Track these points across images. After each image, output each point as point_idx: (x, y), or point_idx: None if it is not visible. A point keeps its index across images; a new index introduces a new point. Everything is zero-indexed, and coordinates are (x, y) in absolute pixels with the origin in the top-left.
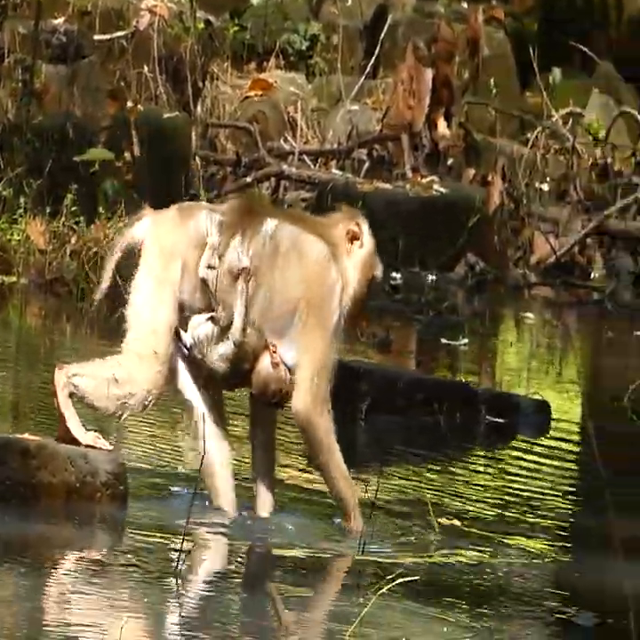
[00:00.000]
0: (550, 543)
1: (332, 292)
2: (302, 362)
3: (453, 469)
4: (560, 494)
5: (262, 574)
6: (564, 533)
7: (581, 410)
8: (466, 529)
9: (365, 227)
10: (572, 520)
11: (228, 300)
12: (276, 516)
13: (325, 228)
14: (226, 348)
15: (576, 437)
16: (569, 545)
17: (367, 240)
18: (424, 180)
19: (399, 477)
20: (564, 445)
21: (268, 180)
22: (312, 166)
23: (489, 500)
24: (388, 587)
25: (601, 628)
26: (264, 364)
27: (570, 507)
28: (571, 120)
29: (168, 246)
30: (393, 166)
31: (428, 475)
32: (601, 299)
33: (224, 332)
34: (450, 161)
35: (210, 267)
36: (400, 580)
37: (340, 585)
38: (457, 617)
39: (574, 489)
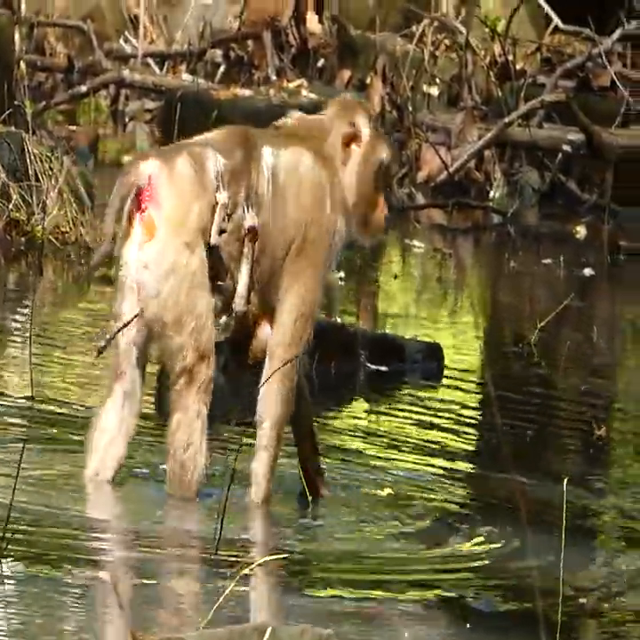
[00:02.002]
0: (438, 513)
1: (327, 231)
2: (288, 302)
3: (327, 425)
4: (451, 455)
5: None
6: (453, 498)
7: (479, 354)
8: (342, 497)
9: (362, 119)
10: (466, 484)
11: (233, 266)
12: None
13: (319, 140)
14: (227, 318)
15: (472, 387)
16: (463, 513)
17: (365, 133)
18: (291, 85)
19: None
20: (457, 396)
21: (106, 89)
22: (158, 71)
23: (367, 463)
24: (250, 567)
25: (504, 614)
26: (265, 331)
27: (462, 469)
28: (464, 11)
29: (187, 199)
30: (254, 69)
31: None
32: (502, 222)
33: (228, 301)
34: (321, 62)
35: (222, 231)
36: (265, 559)
37: (196, 567)
38: (331, 601)
39: (468, 447)
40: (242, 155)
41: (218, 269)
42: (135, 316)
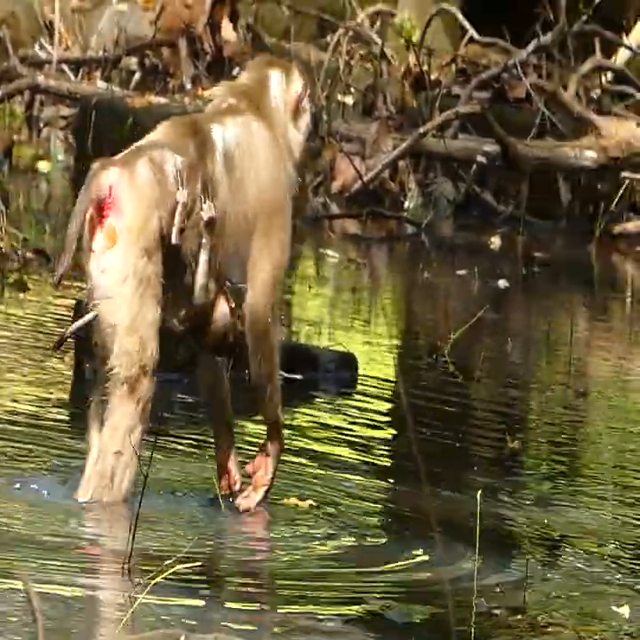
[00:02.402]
0: (349, 521)
1: (287, 192)
2: (260, 264)
3: (243, 433)
4: (364, 465)
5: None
6: (368, 510)
7: (393, 364)
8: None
9: (295, 75)
10: (379, 494)
11: (191, 260)
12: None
13: (257, 105)
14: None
15: (386, 395)
16: (373, 521)
17: (303, 87)
18: (206, 93)
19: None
20: (371, 405)
21: (20, 95)
22: (73, 78)
23: (282, 471)
24: (164, 575)
25: (418, 625)
26: (221, 311)
27: (375, 481)
28: (379, 20)
29: (147, 205)
30: (169, 77)
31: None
32: (416, 232)
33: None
34: (236, 70)
35: (182, 230)
36: (177, 568)
37: (107, 575)
38: (242, 609)
39: (382, 456)
40: (194, 147)
41: (176, 267)
42: (93, 317)
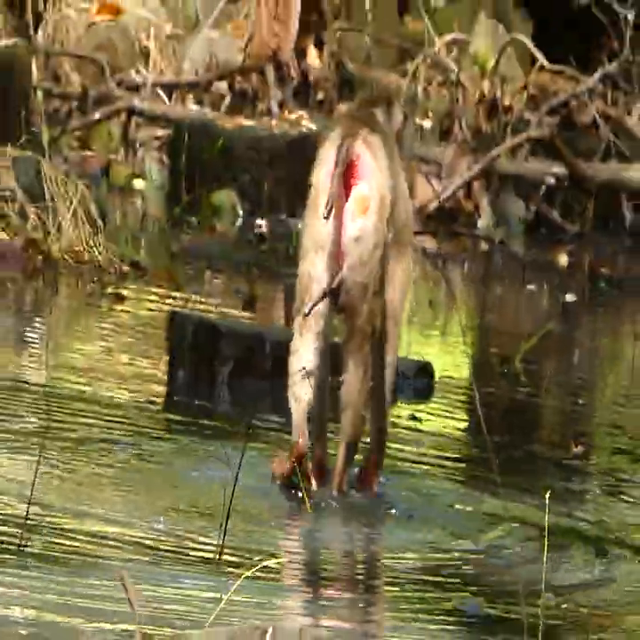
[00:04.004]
0: (427, 523)
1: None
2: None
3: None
4: (445, 463)
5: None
6: (447, 509)
7: (468, 373)
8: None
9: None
10: (458, 495)
11: None
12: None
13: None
14: None
15: (461, 403)
16: (450, 522)
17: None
18: (292, 116)
19: (268, 451)
20: (448, 410)
21: (117, 117)
22: (167, 101)
23: None
24: (253, 570)
25: (491, 617)
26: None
27: (457, 478)
28: (455, 49)
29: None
30: (257, 101)
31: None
32: (489, 249)
33: None
34: (320, 95)
35: None
36: (265, 563)
37: (200, 569)
38: (327, 600)
39: (459, 457)
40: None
41: None
42: (339, 284)
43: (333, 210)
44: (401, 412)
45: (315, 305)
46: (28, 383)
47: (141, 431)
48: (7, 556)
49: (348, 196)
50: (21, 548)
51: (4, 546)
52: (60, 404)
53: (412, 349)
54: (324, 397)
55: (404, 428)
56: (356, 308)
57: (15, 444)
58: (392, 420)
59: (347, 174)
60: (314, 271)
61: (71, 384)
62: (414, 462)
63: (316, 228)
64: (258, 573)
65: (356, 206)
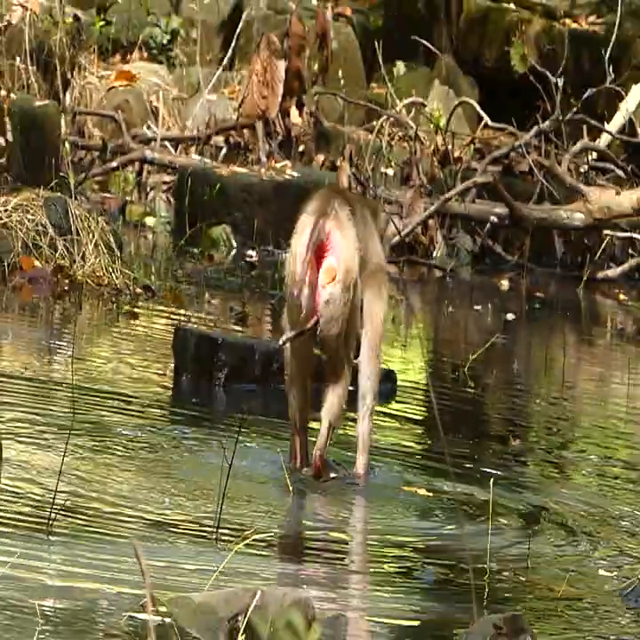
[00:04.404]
0: (391, 502)
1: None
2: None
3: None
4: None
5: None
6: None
7: (425, 378)
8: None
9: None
10: (415, 479)
11: None
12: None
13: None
14: None
15: (419, 403)
16: (408, 503)
17: None
18: (278, 165)
19: (257, 442)
20: (408, 409)
21: (132, 165)
22: (173, 152)
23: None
24: (245, 542)
25: (444, 584)
26: None
27: (415, 466)
28: (413, 109)
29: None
30: (248, 152)
31: (286, 440)
32: (442, 276)
33: None
34: (301, 147)
35: None
36: (255, 536)
37: (200, 542)
38: (307, 570)
39: (416, 441)
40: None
41: None
42: (310, 328)
43: (308, 278)
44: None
45: (288, 339)
46: (55, 383)
47: (151, 425)
48: (37, 534)
49: (319, 266)
50: (50, 527)
51: (34, 526)
52: (83, 401)
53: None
54: (308, 398)
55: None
56: (333, 349)
57: (44, 435)
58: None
59: (319, 249)
60: (288, 319)
61: (92, 385)
62: (381, 451)
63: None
64: (249, 547)
65: (325, 276)
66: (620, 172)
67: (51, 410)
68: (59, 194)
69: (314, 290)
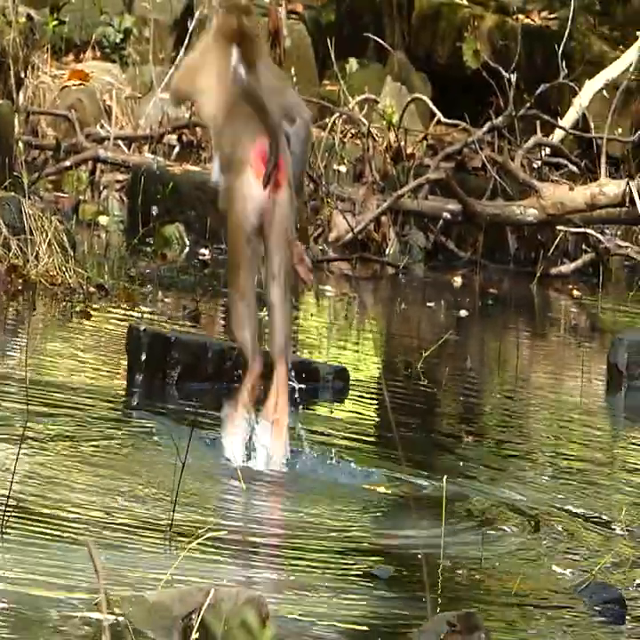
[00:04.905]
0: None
1: None
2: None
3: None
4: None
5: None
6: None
7: (378, 375)
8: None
9: None
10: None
11: None
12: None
13: None
14: None
15: (373, 400)
16: (367, 499)
17: None
18: None
19: (210, 439)
20: (361, 407)
21: (85, 164)
22: (126, 151)
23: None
24: (198, 541)
25: (398, 580)
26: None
27: (369, 460)
28: (366, 106)
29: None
30: (201, 150)
31: None
32: (395, 273)
33: None
34: None
35: None
36: (208, 535)
37: (153, 542)
38: (261, 570)
39: (369, 439)
40: None
41: None
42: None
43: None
44: (320, 409)
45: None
46: (9, 381)
47: (104, 424)
48: None
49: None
50: (2, 529)
51: None
52: (37, 400)
53: (330, 356)
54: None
55: (322, 421)
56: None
57: None
58: (314, 413)
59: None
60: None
61: (45, 383)
62: (337, 448)
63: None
64: (202, 546)
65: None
66: (574, 168)
67: (3, 407)
68: (12, 193)
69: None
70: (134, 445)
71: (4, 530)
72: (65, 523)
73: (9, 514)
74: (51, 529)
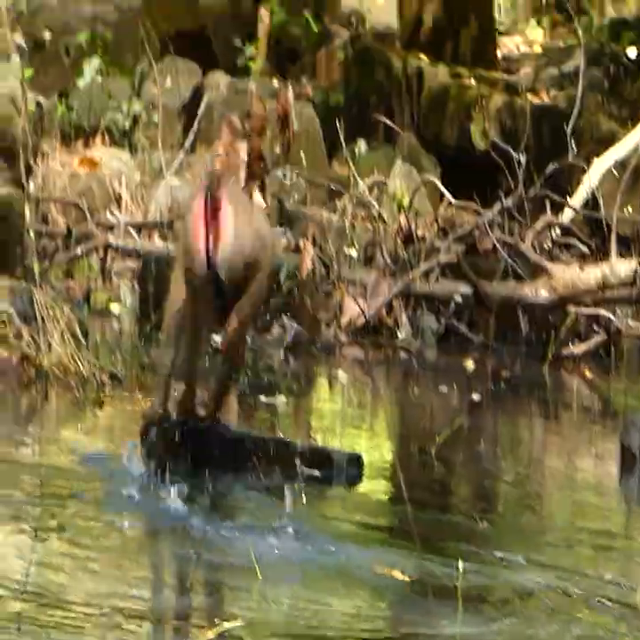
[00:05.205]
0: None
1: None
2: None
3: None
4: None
5: None
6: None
7: (391, 460)
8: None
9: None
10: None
11: None
12: None
13: None
14: None
15: (387, 484)
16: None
17: None
18: None
19: (226, 528)
20: (376, 491)
21: (96, 251)
22: (137, 237)
23: None
24: (215, 632)
25: None
26: None
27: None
28: (376, 188)
29: None
30: None
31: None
32: (407, 357)
33: None
34: None
35: None
36: (226, 625)
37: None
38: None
39: (383, 523)
40: None
41: None
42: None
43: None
44: (334, 495)
45: None
46: (23, 469)
47: (118, 511)
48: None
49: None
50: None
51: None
52: (50, 488)
53: (344, 441)
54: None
55: (337, 506)
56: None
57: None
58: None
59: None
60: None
61: (59, 470)
62: (351, 533)
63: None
64: (219, 637)
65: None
66: (584, 248)
67: (17, 495)
68: (23, 282)
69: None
70: (148, 535)
71: (22, 622)
72: (81, 612)
73: (26, 601)
74: (67, 621)
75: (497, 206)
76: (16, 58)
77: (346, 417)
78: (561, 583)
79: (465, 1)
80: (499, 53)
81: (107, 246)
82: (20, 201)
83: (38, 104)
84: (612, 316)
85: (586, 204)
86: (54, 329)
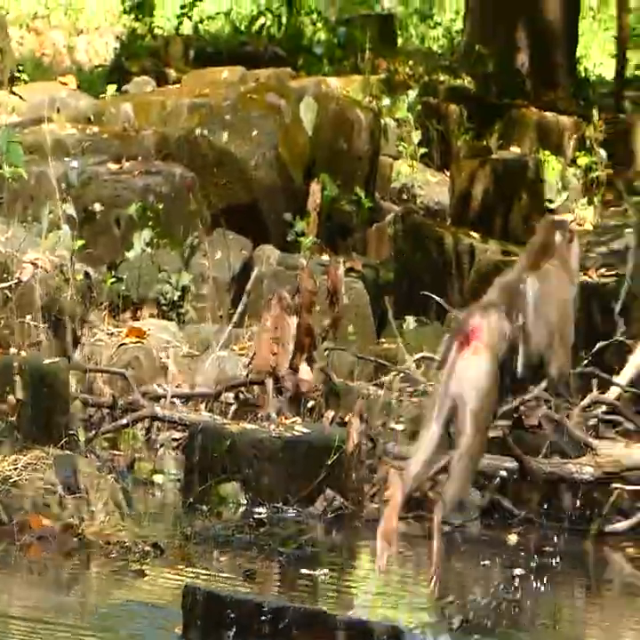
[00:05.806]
0: None
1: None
2: None
3: None
4: None
5: None
6: None
7: (429, 630)
8: None
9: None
10: None
11: None
12: None
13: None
14: None
15: None
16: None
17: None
18: (287, 421)
19: None
20: None
21: (142, 421)
22: (183, 408)
23: None
24: None
25: None
26: None
27: None
28: (423, 364)
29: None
30: (258, 408)
31: None
32: (450, 531)
33: None
34: (311, 403)
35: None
36: None
37: None
38: None
39: None
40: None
41: None
42: None
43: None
44: None
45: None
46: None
47: None
48: None
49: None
50: None
51: None
52: None
53: (385, 615)
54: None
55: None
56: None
57: None
58: None
59: (467, 337)
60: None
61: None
62: None
63: None
64: None
65: (470, 353)
66: (630, 425)
67: None
68: (68, 452)
69: None
70: None
71: None
72: None
73: None
74: None
75: (543, 383)
76: (66, 228)
77: (389, 589)
78: None
79: (516, 179)
80: None
81: (153, 417)
82: (65, 371)
83: (87, 274)
84: None
85: (632, 382)
86: (98, 498)
